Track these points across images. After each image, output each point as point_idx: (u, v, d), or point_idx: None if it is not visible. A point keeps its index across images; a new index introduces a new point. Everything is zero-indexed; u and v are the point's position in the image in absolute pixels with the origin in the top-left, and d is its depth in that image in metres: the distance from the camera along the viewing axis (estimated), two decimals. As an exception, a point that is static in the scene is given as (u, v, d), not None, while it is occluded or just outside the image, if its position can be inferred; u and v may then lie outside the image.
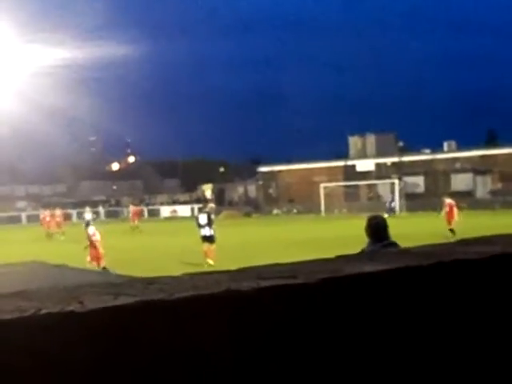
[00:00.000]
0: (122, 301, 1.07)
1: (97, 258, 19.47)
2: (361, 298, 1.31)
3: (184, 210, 75.57)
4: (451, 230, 25.58)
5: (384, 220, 5.88)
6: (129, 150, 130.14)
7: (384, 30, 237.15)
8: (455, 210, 27.29)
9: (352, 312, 1.29)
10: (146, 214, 78.66)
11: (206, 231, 20.97)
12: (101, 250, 19.61)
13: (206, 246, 20.65)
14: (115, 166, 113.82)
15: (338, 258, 1.59)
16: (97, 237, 19.85)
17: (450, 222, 26.65)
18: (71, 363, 0.97)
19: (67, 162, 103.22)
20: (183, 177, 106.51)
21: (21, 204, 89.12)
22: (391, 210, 49.76)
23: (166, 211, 77.36)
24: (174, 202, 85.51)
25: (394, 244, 5.66)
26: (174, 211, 76.46)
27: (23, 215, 76.59)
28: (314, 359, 1.22)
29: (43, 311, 0.99)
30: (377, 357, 1.31)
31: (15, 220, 72.30)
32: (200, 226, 21.18)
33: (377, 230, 5.62)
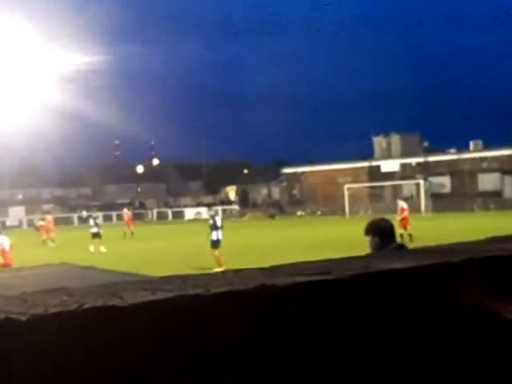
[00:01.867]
0: (160, 295, 1.11)
1: (6, 266, 17.99)
2: (392, 293, 1.33)
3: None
4: (409, 236, 24.77)
5: (390, 222, 5.95)
6: (153, 153, 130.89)
7: (407, 29, 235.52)
8: (406, 213, 26.86)
9: (383, 307, 1.31)
10: (170, 216, 79.22)
11: (220, 235, 19.89)
12: (7, 260, 18.39)
13: (218, 250, 19.51)
14: (140, 169, 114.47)
15: (369, 255, 1.62)
16: (4, 245, 18.75)
17: (405, 227, 25.85)
18: (115, 355, 1.01)
19: (92, 165, 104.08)
20: (207, 179, 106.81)
21: (47, 207, 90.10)
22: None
23: (190, 213, 77.67)
24: (198, 205, 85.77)
25: (404, 246, 5.72)
26: (198, 213, 76.69)
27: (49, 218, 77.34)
28: (348, 351, 1.24)
29: (86, 305, 1.02)
30: (410, 350, 1.32)
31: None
32: (217, 229, 19.92)
33: (387, 231, 5.65)
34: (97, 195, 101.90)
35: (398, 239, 25.19)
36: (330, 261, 1.47)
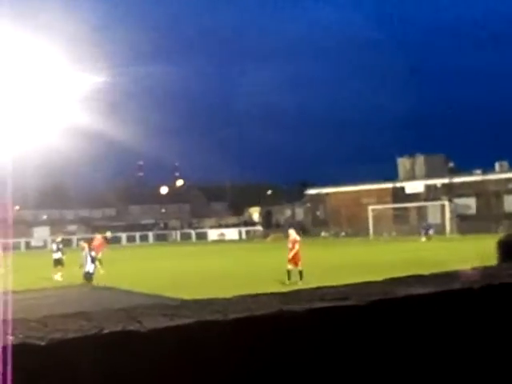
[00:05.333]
0: (178, 321, 1.11)
1: None
2: (411, 319, 1.32)
3: (231, 233, 75.97)
4: (300, 273, 20.26)
5: None
6: (177, 174, 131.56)
7: (432, 49, 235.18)
8: (297, 246, 21.96)
9: (402, 333, 1.30)
10: (193, 236, 79.46)
11: (94, 268, 23.44)
12: None
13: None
14: (164, 190, 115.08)
15: (388, 280, 1.61)
16: None
17: (295, 262, 21.19)
18: (133, 381, 1.01)
19: (116, 186, 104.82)
20: (231, 200, 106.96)
21: (71, 227, 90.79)
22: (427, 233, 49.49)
23: (213, 234, 77.79)
24: (221, 226, 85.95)
25: None
26: (222, 234, 76.83)
27: (74, 238, 78.03)
28: (365, 378, 1.23)
29: (105, 331, 1.03)
30: (425, 376, 1.31)
31: (66, 243, 73.68)
32: (94, 261, 23.54)
33: (507, 249, 5.46)
34: (121, 216, 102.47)
35: (285, 277, 21.45)
36: (348, 286, 1.47)
